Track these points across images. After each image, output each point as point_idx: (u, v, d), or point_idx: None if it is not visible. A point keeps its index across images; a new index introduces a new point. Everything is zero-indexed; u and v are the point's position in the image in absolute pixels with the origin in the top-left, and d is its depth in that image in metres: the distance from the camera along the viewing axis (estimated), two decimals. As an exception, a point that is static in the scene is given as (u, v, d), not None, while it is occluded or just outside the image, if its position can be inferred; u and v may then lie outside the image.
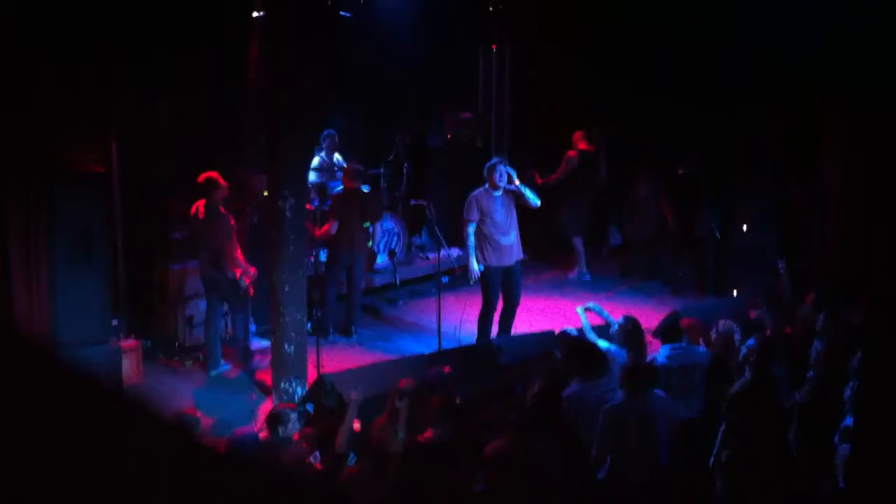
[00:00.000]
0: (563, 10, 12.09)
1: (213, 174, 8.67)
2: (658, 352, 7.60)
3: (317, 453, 6.15)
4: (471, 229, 9.11)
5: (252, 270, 8.83)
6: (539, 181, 11.74)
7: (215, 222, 8.65)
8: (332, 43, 10.34)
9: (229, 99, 10.16)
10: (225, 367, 8.90)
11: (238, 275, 8.68)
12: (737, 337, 7.85)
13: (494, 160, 9.36)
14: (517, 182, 9.10)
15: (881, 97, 8.81)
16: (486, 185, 9.19)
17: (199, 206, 8.69)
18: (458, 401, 6.88)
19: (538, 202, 9.22)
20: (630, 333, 7.49)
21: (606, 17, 12.01)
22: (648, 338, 7.92)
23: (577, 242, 12.05)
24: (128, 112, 8.85)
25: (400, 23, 11.59)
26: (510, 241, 9.23)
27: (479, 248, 9.14)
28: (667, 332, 7.57)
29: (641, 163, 12.03)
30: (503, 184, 9.10)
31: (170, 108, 9.34)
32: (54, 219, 7.52)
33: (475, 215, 9.11)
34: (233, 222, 8.76)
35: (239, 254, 8.78)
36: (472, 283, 9.29)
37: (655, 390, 6.52)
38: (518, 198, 9.20)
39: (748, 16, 10.09)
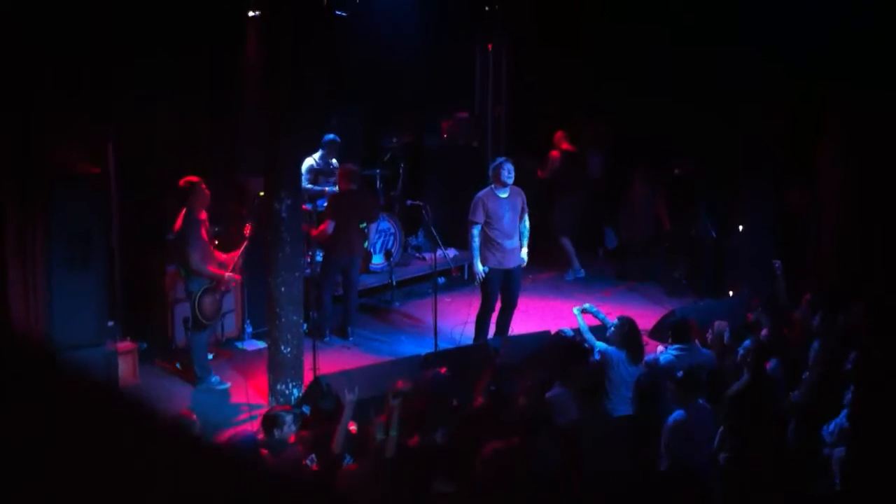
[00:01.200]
0: (561, 9, 12.11)
1: (195, 179, 8.33)
2: (664, 351, 7.62)
3: (313, 455, 6.14)
4: (476, 231, 9.11)
5: (236, 278, 8.67)
6: (540, 175, 11.86)
7: (186, 230, 8.31)
8: (329, 44, 10.34)
9: (228, 100, 10.14)
10: (214, 379, 8.71)
11: (221, 282, 8.49)
12: (727, 336, 7.88)
13: (500, 160, 9.36)
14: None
15: (880, 98, 8.82)
16: (492, 186, 9.18)
17: (180, 216, 8.38)
18: (454, 402, 6.88)
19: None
20: (626, 335, 7.49)
21: (605, 19, 12.03)
22: (645, 339, 7.93)
23: (566, 242, 12.08)
24: (126, 113, 8.83)
25: (397, 23, 11.59)
26: (513, 245, 9.23)
27: (482, 249, 9.14)
28: (677, 331, 7.57)
29: (637, 165, 12.06)
30: (511, 181, 9.11)
31: (169, 109, 9.32)
32: (51, 220, 7.50)
33: (481, 217, 9.10)
34: (204, 232, 8.36)
35: (213, 263, 8.44)
36: (477, 284, 9.31)
37: (699, 399, 6.48)
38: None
39: (748, 17, 10.09)
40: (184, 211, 8.33)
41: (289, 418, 6.43)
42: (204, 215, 8.42)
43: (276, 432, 6.32)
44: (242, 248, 8.67)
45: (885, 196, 8.41)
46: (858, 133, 9.57)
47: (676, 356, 7.33)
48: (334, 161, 11.02)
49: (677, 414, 6.34)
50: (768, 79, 10.35)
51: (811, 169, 10.53)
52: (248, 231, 8.68)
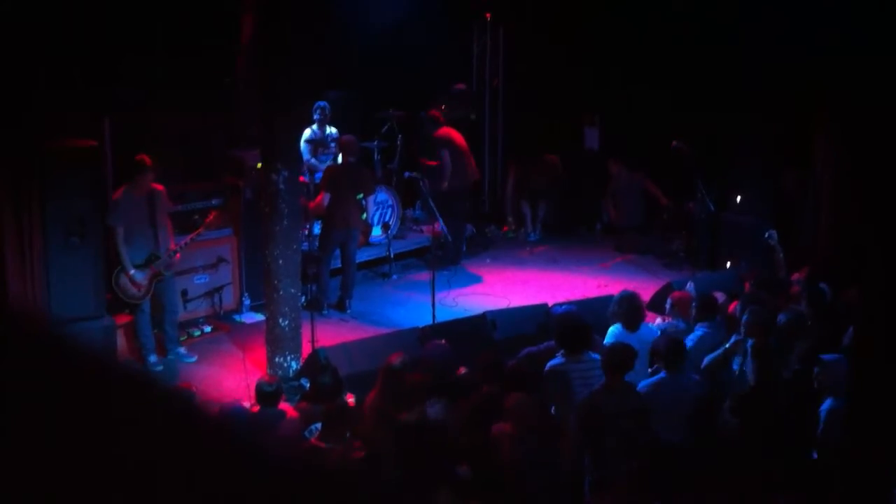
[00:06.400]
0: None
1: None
2: (666, 322, 7.63)
3: (311, 428, 6.16)
4: None
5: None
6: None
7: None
8: (326, 14, 10.27)
9: (223, 88, 10.14)
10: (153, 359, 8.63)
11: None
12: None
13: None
14: None
15: (877, 90, 8.78)
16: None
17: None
18: (457, 374, 6.87)
19: None
20: (627, 311, 7.50)
21: (603, 11, 12.07)
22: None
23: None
24: (123, 100, 8.81)
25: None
26: None
27: None
28: (702, 308, 7.49)
29: (610, 158, 12.25)
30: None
31: (164, 97, 9.31)
32: (47, 198, 7.51)
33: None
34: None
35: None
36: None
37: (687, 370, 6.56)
38: None
39: (747, 15, 10.05)
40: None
41: (281, 389, 6.45)
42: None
43: (270, 404, 6.33)
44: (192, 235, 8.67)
45: (880, 186, 8.40)
46: (854, 125, 9.56)
47: (707, 334, 7.29)
48: (334, 130, 10.94)
49: (659, 376, 6.44)
50: (767, 73, 10.30)
51: (808, 157, 10.53)
52: (209, 218, 8.68)
